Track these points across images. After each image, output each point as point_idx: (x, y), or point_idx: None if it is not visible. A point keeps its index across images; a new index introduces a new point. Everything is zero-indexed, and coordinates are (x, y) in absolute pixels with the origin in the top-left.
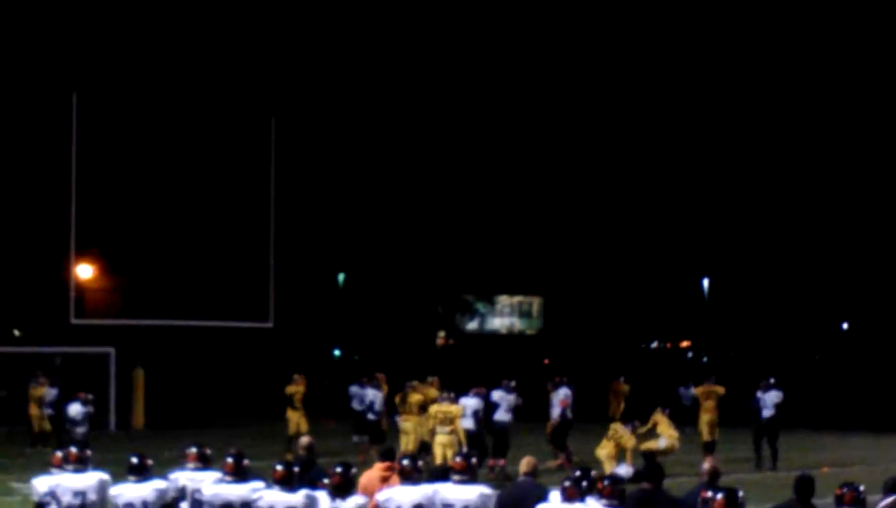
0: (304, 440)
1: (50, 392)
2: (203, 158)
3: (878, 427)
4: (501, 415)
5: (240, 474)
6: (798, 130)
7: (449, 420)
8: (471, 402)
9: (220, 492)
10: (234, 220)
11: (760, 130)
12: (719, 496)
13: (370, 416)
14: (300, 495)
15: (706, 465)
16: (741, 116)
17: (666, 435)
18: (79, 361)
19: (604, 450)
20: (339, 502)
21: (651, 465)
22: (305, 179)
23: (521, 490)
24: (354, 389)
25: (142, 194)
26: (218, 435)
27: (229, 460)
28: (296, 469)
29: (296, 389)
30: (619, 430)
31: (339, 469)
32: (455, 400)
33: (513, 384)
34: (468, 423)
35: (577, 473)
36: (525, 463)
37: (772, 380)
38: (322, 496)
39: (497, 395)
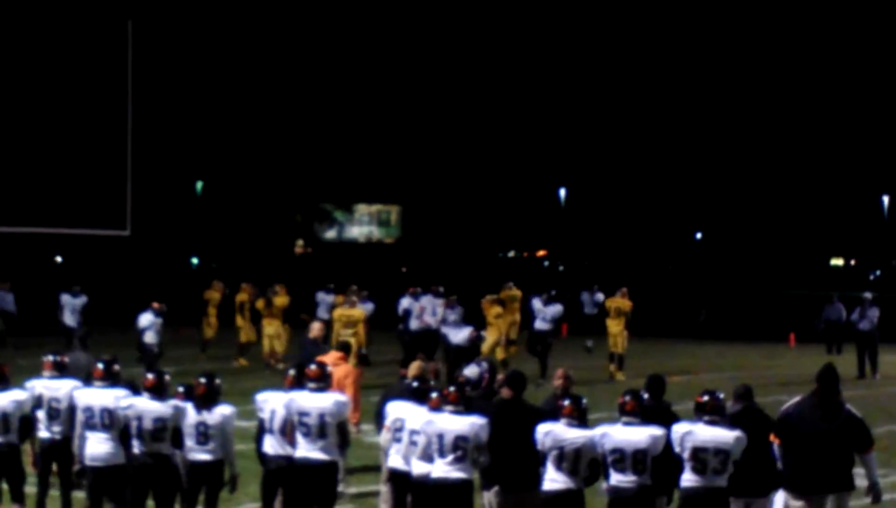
0: (317, 324)
1: (72, 301)
2: (57, 60)
3: (727, 336)
4: (414, 323)
5: (110, 380)
6: (653, 42)
7: (352, 323)
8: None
9: (81, 397)
10: (89, 126)
11: (616, 43)
12: (567, 401)
13: None
14: (169, 405)
15: (558, 373)
16: (597, 28)
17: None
18: None
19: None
20: (204, 413)
21: (513, 373)
22: (163, 85)
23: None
24: None
25: None
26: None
27: (99, 366)
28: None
29: (244, 298)
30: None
31: (202, 380)
32: (358, 304)
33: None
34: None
35: (415, 382)
36: (413, 367)
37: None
38: (188, 408)
39: (406, 303)
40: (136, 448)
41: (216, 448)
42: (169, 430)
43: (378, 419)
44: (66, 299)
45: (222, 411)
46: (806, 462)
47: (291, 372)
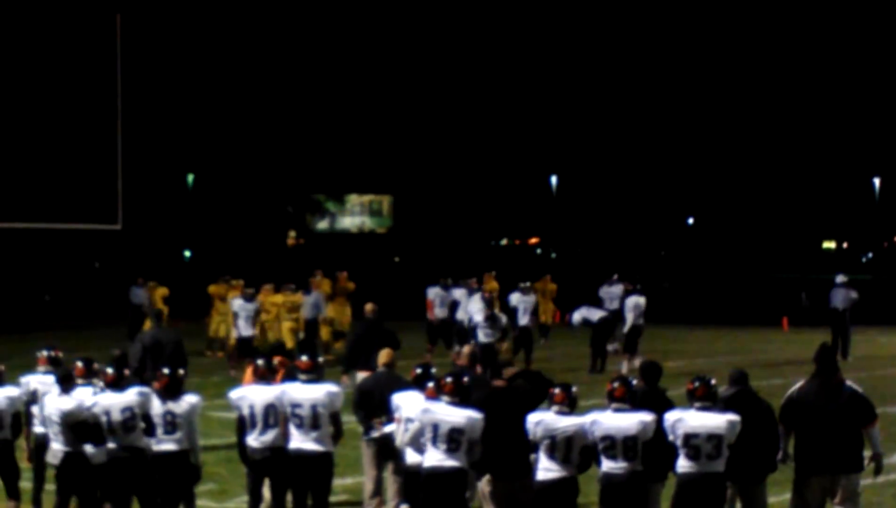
0: (370, 305)
1: (246, 306)
2: (46, 54)
3: (721, 321)
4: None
5: (89, 378)
6: (643, 29)
7: (295, 308)
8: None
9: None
10: (79, 119)
11: (605, 30)
12: (557, 389)
13: None
14: (132, 393)
15: (465, 350)
16: (585, 15)
17: None
18: None
19: None
20: (170, 404)
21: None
22: (153, 78)
23: (380, 379)
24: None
25: None
26: (67, 339)
27: (79, 364)
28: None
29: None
30: None
31: (166, 371)
32: (296, 291)
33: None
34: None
35: (419, 370)
36: (383, 355)
37: (615, 276)
38: (153, 399)
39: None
40: (111, 443)
41: (182, 438)
42: (139, 418)
43: (357, 409)
44: (238, 304)
45: (189, 400)
46: (814, 442)
47: (260, 362)
